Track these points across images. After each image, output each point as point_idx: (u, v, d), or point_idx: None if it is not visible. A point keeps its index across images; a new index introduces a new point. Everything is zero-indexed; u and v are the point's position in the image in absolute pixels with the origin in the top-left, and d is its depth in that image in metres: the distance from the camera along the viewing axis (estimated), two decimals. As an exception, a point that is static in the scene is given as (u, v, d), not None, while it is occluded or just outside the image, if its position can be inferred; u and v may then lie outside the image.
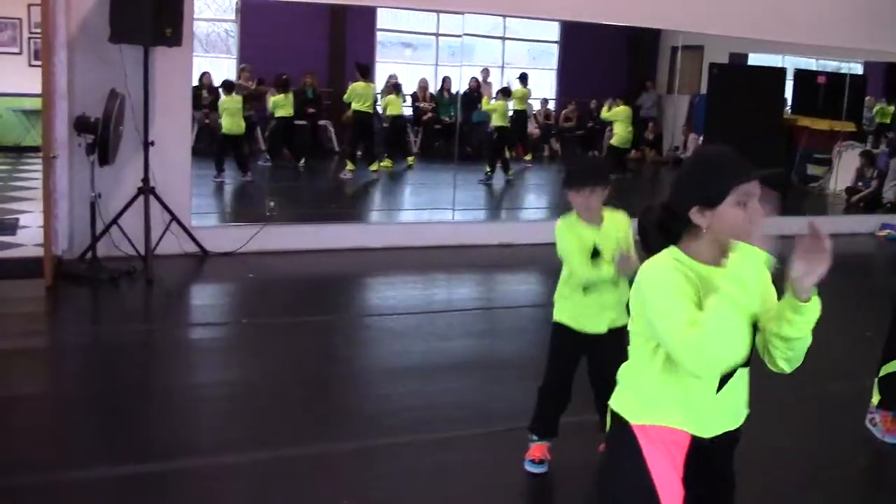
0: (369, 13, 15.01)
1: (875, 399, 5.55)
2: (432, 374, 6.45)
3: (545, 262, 9.38)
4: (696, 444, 2.73)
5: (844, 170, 15.29)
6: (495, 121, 14.48)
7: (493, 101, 14.84)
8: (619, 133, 15.33)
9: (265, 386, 6.11)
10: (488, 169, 14.46)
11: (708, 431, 2.74)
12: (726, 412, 2.77)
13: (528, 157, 16.50)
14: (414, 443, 5.18)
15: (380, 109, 14.81)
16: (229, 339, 7.24)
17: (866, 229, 13.09)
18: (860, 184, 14.72)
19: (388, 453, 5.10)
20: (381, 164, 14.28)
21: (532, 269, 9.74)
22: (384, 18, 15.86)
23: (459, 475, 4.85)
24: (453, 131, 13.36)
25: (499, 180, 14.64)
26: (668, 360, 2.66)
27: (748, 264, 2.56)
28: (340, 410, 5.74)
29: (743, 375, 2.76)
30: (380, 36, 16.41)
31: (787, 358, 2.69)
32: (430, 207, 12.91)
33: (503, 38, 16.83)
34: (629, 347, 2.83)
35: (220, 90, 13.47)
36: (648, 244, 2.77)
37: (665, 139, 17.51)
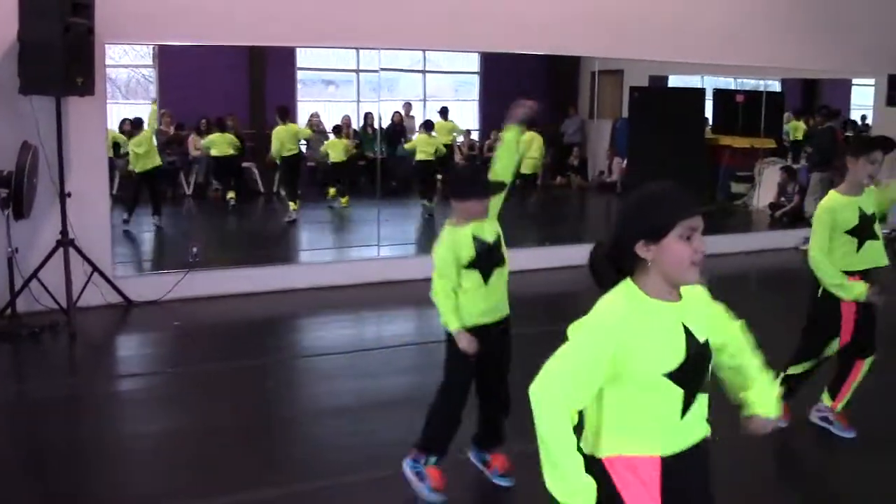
0: (288, 53, 14.92)
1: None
2: (364, 414, 6.39)
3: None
4: (669, 466, 2.77)
5: (767, 186, 15.53)
6: (418, 155, 14.51)
7: (413, 138, 14.93)
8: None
9: (196, 435, 6.02)
10: (425, 202, 14.48)
11: (676, 448, 2.78)
12: (690, 432, 2.83)
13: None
14: (346, 485, 5.13)
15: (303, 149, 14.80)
16: (158, 390, 7.13)
17: (791, 244, 13.26)
18: (783, 199, 14.96)
19: (320, 497, 5.05)
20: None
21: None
22: (304, 57, 15.78)
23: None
24: (378, 167, 13.32)
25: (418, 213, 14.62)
26: (628, 391, 2.72)
27: (698, 305, 2.83)
28: (272, 456, 5.67)
29: (702, 400, 2.83)
30: (300, 74, 16.33)
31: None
32: (357, 245, 12.83)
33: (423, 72, 16.88)
34: None
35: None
36: (599, 279, 2.83)
37: (590, 164, 17.65)
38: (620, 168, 16.53)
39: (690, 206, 2.70)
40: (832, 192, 5.61)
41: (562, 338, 2.71)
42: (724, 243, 12.38)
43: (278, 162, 14.10)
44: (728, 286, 11.18)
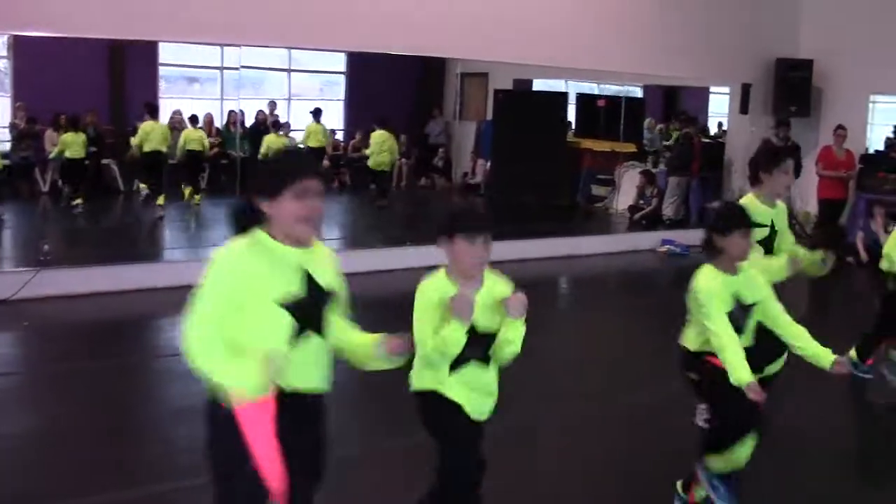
0: (150, 48, 14.63)
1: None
2: (219, 415, 6.27)
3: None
4: (283, 404, 3.06)
5: (626, 189, 15.89)
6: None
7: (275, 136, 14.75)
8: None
9: (44, 438, 5.88)
10: None
11: (292, 384, 3.12)
12: (309, 374, 3.21)
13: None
14: (199, 487, 5.00)
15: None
16: (4, 392, 6.87)
17: (648, 246, 13.60)
18: (641, 202, 15.30)
19: (173, 499, 4.96)
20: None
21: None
22: (166, 53, 15.48)
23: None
24: (239, 166, 13.13)
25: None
26: (248, 319, 3.10)
27: (326, 261, 3.30)
28: (123, 458, 5.55)
29: (320, 345, 3.24)
30: (162, 71, 16.03)
31: None
32: (218, 244, 12.59)
33: (289, 71, 16.74)
34: None
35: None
36: (233, 229, 3.25)
37: (454, 165, 17.76)
38: (484, 170, 16.71)
39: (302, 169, 3.14)
40: (750, 197, 5.44)
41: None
42: (584, 244, 12.65)
43: (138, 154, 13.77)
44: (587, 286, 11.55)
